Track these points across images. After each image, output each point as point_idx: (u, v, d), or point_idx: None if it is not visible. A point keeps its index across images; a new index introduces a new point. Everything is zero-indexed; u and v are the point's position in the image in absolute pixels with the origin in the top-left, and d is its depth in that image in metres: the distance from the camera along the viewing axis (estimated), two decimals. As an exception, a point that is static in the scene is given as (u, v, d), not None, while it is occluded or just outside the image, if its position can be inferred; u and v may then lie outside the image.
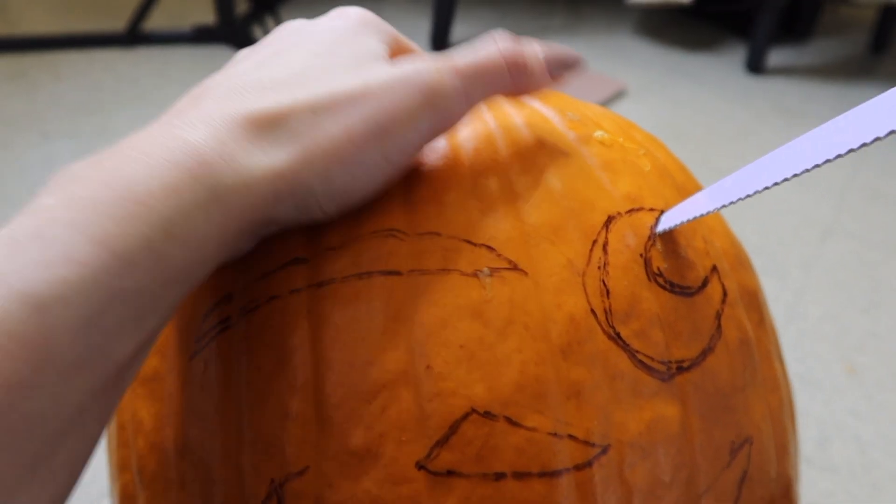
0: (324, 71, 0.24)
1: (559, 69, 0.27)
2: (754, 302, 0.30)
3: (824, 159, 0.22)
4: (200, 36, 1.19)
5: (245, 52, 0.26)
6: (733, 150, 1.00)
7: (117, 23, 1.20)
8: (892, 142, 1.04)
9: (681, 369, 0.25)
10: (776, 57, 1.26)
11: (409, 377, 0.23)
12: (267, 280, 0.25)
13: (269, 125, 0.22)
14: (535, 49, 0.26)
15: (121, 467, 0.29)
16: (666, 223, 0.27)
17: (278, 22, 1.19)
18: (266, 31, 1.21)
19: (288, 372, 0.24)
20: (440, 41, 1.21)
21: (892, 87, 0.21)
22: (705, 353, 0.26)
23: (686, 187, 0.30)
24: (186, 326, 0.26)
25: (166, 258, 0.19)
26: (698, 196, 0.26)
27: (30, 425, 0.17)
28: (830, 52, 1.31)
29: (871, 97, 0.21)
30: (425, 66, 0.24)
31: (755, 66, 1.21)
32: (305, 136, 0.22)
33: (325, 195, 0.23)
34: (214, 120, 0.21)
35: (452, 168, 0.26)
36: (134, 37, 1.17)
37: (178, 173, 0.20)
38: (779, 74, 1.22)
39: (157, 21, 1.21)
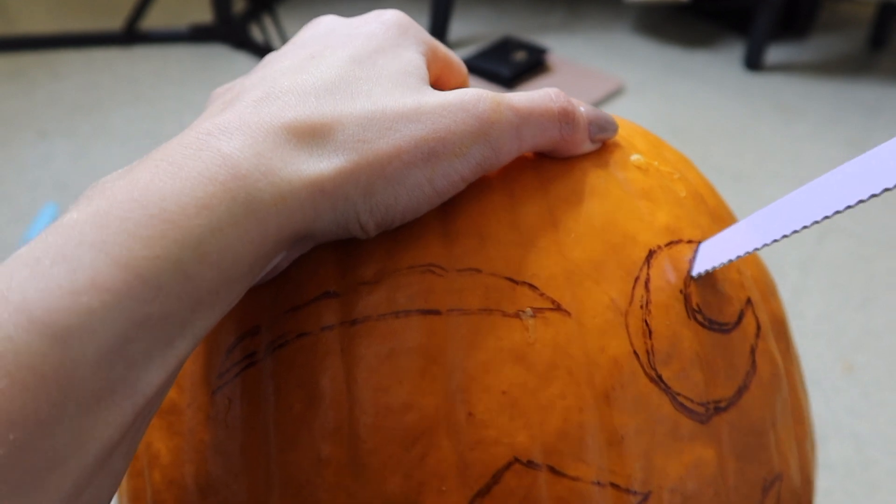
0: (370, 83, 0.23)
1: (598, 131, 0.27)
2: (782, 330, 0.30)
3: (881, 188, 0.20)
4: (198, 35, 1.19)
5: (276, 55, 0.25)
6: (732, 147, 1.00)
7: (115, 22, 1.20)
8: (890, 137, 1.04)
9: (718, 409, 0.25)
10: (775, 54, 1.26)
11: (450, 424, 0.22)
12: (296, 314, 0.24)
13: (310, 135, 0.21)
14: (578, 106, 0.26)
15: (134, 498, 0.28)
16: (703, 264, 0.26)
17: (276, 21, 1.19)
18: (263, 30, 1.21)
19: (320, 414, 0.23)
20: (438, 38, 1.21)
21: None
22: (741, 391, 0.26)
23: (718, 213, 0.30)
24: (208, 359, 0.25)
25: (197, 280, 0.18)
26: (735, 231, 0.25)
27: (52, 464, 0.16)
28: (829, 49, 1.31)
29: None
30: (484, 94, 0.23)
31: (754, 62, 1.21)
32: (351, 149, 0.21)
33: (365, 212, 0.22)
34: (251, 128, 0.20)
35: (491, 197, 0.25)
36: (132, 36, 1.17)
37: (212, 188, 0.18)
38: (777, 71, 1.22)
39: (154, 20, 1.21)
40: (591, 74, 1.15)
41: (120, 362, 0.17)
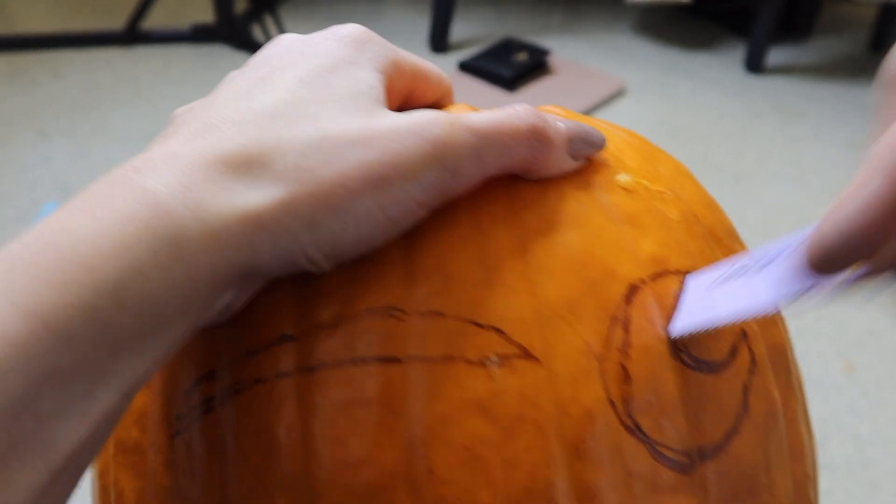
0: (316, 105, 0.21)
1: (581, 147, 0.25)
2: (782, 360, 0.28)
3: None
4: (199, 35, 1.19)
5: (232, 76, 0.24)
6: (732, 149, 1.00)
7: (116, 21, 1.20)
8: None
9: (703, 457, 0.23)
10: (775, 55, 1.26)
11: (409, 480, 0.21)
12: (253, 359, 0.23)
13: (246, 165, 0.19)
14: (556, 122, 0.24)
15: None
16: (684, 326, 0.23)
17: (277, 21, 1.19)
18: (265, 30, 1.21)
19: (276, 466, 0.22)
20: (439, 41, 1.21)
21: None
22: (730, 434, 0.24)
23: (714, 231, 0.28)
24: (167, 400, 0.24)
25: (115, 327, 0.17)
26: (739, 288, 0.23)
27: None
28: (830, 51, 1.31)
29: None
30: (438, 116, 0.22)
31: (754, 64, 1.21)
32: (290, 179, 0.20)
33: (311, 244, 0.20)
34: (181, 161, 0.19)
35: (457, 231, 0.24)
36: (133, 35, 1.17)
37: (131, 227, 0.17)
38: (778, 73, 1.21)
39: (155, 20, 1.21)
40: (593, 75, 1.15)
41: (28, 418, 0.16)
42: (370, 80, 0.23)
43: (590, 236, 0.24)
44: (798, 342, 0.71)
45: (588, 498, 0.21)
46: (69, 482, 0.18)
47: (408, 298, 0.23)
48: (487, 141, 0.22)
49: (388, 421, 0.21)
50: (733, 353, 0.25)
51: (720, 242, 0.28)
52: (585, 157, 0.26)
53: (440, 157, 0.21)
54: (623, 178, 0.26)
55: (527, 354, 0.22)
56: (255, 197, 0.19)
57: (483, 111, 0.23)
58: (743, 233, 0.94)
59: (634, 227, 0.25)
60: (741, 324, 0.25)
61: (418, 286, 0.23)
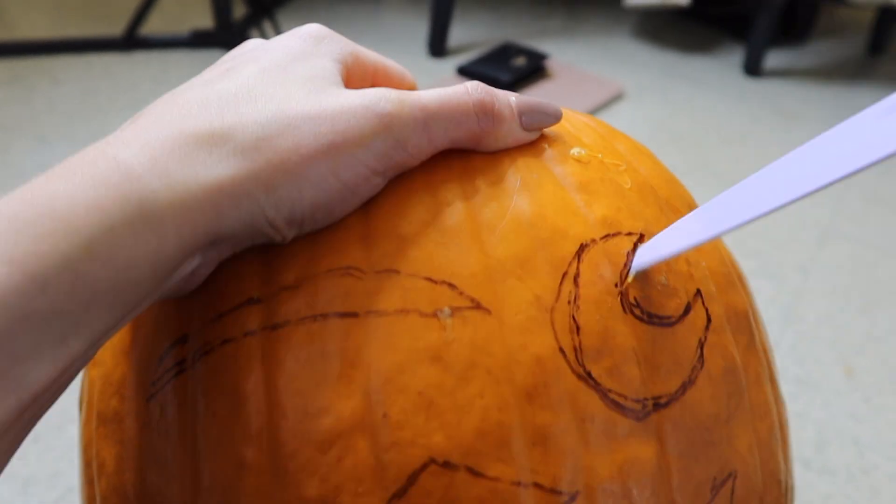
0: (275, 87, 0.23)
1: (534, 118, 0.26)
2: (743, 323, 0.29)
3: (826, 181, 0.20)
4: (198, 40, 1.19)
5: (199, 75, 0.26)
6: (731, 153, 1.00)
7: (115, 27, 1.20)
8: (891, 143, 1.04)
9: (658, 406, 0.24)
10: (774, 59, 1.26)
11: (366, 426, 0.22)
12: (221, 321, 0.24)
13: (209, 138, 0.21)
14: (507, 97, 0.26)
15: None
16: (644, 257, 0.25)
17: (276, 27, 1.19)
18: (263, 35, 1.21)
19: (242, 419, 0.23)
20: (438, 44, 1.21)
21: (891, 88, 0.20)
22: (685, 386, 0.25)
23: (671, 202, 0.29)
24: (143, 368, 0.26)
25: (87, 278, 0.18)
26: (686, 222, 0.25)
27: None
28: (828, 54, 1.31)
29: (870, 99, 0.20)
30: (386, 93, 0.24)
31: (753, 68, 1.21)
32: (250, 149, 0.21)
33: (271, 208, 0.22)
34: (150, 136, 0.21)
35: (414, 198, 0.25)
36: (131, 41, 1.17)
37: (104, 190, 0.19)
38: (776, 76, 1.22)
39: (154, 25, 1.21)
40: (591, 79, 1.15)
41: (4, 356, 0.17)
42: (328, 66, 0.25)
43: (541, 200, 0.25)
44: (797, 346, 0.71)
45: (541, 441, 0.22)
46: (29, 423, 0.19)
47: (365, 259, 0.24)
48: (434, 115, 0.24)
49: (347, 372, 0.22)
50: (687, 310, 0.26)
51: (678, 212, 0.29)
52: (538, 129, 0.27)
53: (388, 127, 0.23)
54: (577, 151, 0.28)
55: (478, 306, 0.23)
56: (219, 167, 0.21)
57: (434, 89, 0.25)
58: (740, 235, 0.94)
59: (586, 193, 0.26)
60: (696, 283, 0.27)
61: (375, 247, 0.24)
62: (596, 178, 0.27)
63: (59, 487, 0.52)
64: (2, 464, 0.19)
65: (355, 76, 0.27)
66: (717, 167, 0.97)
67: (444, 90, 0.25)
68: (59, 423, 0.56)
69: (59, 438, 0.55)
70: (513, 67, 1.13)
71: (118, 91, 1.07)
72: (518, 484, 0.22)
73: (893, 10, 1.26)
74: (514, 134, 0.26)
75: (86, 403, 0.29)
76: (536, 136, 0.27)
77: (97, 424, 0.27)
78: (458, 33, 1.29)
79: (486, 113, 0.25)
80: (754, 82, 1.20)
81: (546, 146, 0.27)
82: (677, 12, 1.41)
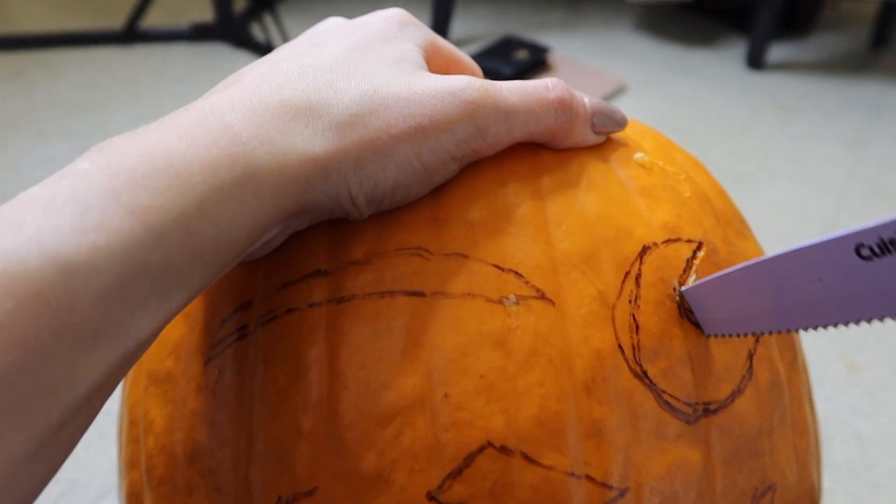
0: (366, 65, 0.24)
1: (604, 123, 0.27)
2: (788, 341, 0.29)
3: None
4: (198, 33, 1.19)
5: (283, 46, 0.26)
6: (733, 146, 1.00)
7: (115, 21, 1.20)
8: (893, 138, 1.04)
9: (707, 412, 0.24)
10: (776, 52, 1.26)
11: (426, 404, 0.22)
12: (287, 291, 0.24)
13: (307, 110, 0.22)
14: (583, 98, 0.26)
15: (130, 464, 0.28)
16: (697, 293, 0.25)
17: (277, 20, 1.18)
18: (264, 29, 1.21)
19: (303, 387, 0.23)
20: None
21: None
22: (734, 395, 0.25)
23: (726, 214, 0.29)
24: (203, 330, 0.26)
25: (197, 235, 0.19)
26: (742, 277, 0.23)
27: (44, 392, 0.17)
28: (831, 48, 1.31)
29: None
30: (472, 81, 0.24)
31: (755, 61, 1.21)
32: (344, 124, 0.22)
33: (356, 183, 0.23)
34: (252, 102, 0.21)
35: (485, 187, 0.25)
36: (131, 35, 1.17)
37: (215, 151, 0.20)
38: (779, 70, 1.21)
39: (154, 19, 1.21)
40: (593, 73, 1.15)
41: (118, 304, 0.18)
42: (412, 51, 0.25)
43: (607, 200, 0.26)
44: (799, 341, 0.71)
45: (595, 434, 0.22)
46: (120, 375, 0.19)
47: (434, 241, 0.24)
48: (516, 107, 0.25)
49: (410, 349, 0.23)
50: None
51: (731, 225, 0.29)
52: (607, 133, 0.28)
53: (472, 115, 0.24)
54: (640, 156, 0.28)
55: (542, 296, 0.23)
56: (314, 140, 0.21)
57: (516, 81, 0.26)
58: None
59: (649, 198, 0.27)
60: None
61: (444, 230, 0.24)
62: (658, 183, 0.27)
63: (61, 482, 0.52)
64: (97, 411, 0.19)
65: (434, 64, 0.27)
66: (720, 160, 0.96)
67: (526, 83, 0.25)
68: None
69: (61, 433, 0.55)
70: (514, 61, 1.12)
71: (118, 84, 1.06)
72: (571, 475, 0.22)
73: (896, 4, 1.25)
74: (585, 134, 0.27)
75: (135, 364, 0.29)
76: (604, 139, 0.28)
77: (147, 384, 0.27)
78: (460, 27, 1.28)
79: (564, 110, 0.26)
80: (757, 75, 1.20)
81: (611, 149, 0.28)
82: (679, 5, 1.41)
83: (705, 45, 1.29)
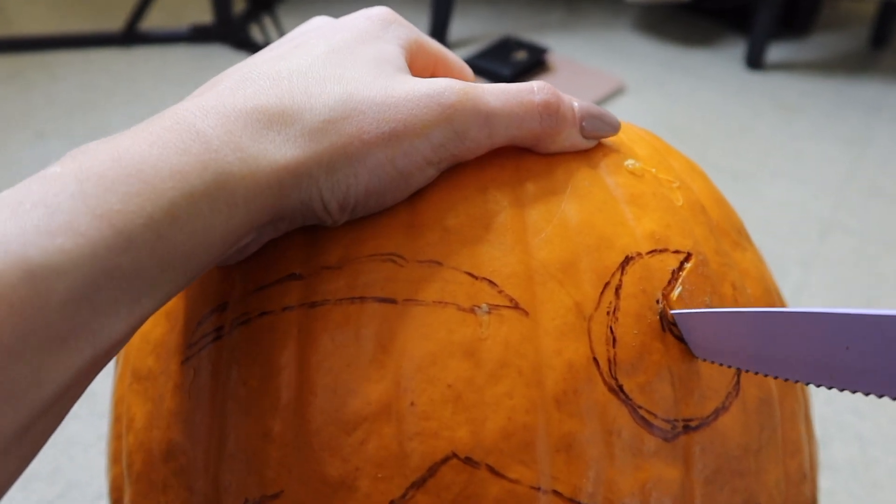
0: (343, 68, 0.23)
1: (594, 126, 0.26)
2: None
3: None
4: (197, 35, 1.19)
5: (268, 47, 0.26)
6: (732, 146, 1.00)
7: (114, 22, 1.20)
8: (892, 138, 1.04)
9: (688, 428, 0.23)
10: (775, 52, 1.25)
11: (392, 412, 0.22)
12: (262, 293, 0.24)
13: (280, 120, 0.22)
14: (571, 101, 0.26)
15: (114, 459, 0.29)
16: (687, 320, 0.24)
17: (276, 22, 1.18)
18: (263, 31, 1.21)
19: (272, 390, 0.23)
20: (438, 38, 1.20)
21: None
22: (718, 412, 0.24)
23: (721, 224, 0.28)
24: (182, 330, 0.26)
25: (167, 241, 0.19)
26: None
27: (10, 395, 0.17)
28: (830, 48, 1.30)
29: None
30: (451, 83, 0.24)
31: (754, 61, 1.21)
32: (317, 131, 0.22)
33: (328, 189, 0.22)
34: (226, 108, 0.21)
35: (464, 193, 0.25)
36: (131, 36, 1.17)
37: (186, 158, 0.20)
38: (778, 70, 1.21)
39: (153, 20, 1.21)
40: (592, 73, 1.14)
41: (86, 307, 0.17)
42: (394, 52, 0.25)
43: (591, 208, 0.25)
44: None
45: (565, 448, 0.22)
46: (90, 377, 0.19)
47: (409, 247, 0.24)
48: (496, 111, 0.24)
49: (379, 356, 0.22)
50: None
51: (727, 235, 0.28)
52: (598, 138, 0.27)
53: (450, 119, 0.23)
54: (631, 163, 0.27)
55: (516, 306, 0.23)
56: (286, 148, 0.21)
57: (500, 84, 0.25)
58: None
59: (637, 207, 0.26)
60: (739, 307, 0.25)
61: (419, 237, 0.24)
62: (648, 192, 0.26)
63: (59, 483, 0.52)
64: (65, 413, 0.19)
65: (418, 63, 0.27)
66: (719, 160, 0.96)
67: (510, 86, 0.25)
68: (60, 420, 0.56)
69: (59, 435, 0.55)
70: (513, 61, 1.12)
71: (117, 86, 1.06)
72: (538, 489, 0.22)
73: (895, 4, 1.25)
74: (572, 139, 0.26)
75: (122, 359, 0.29)
76: (594, 144, 0.27)
77: (131, 381, 0.27)
78: (459, 27, 1.28)
79: (550, 114, 0.25)
80: (756, 75, 1.20)
81: (601, 155, 0.27)
82: (678, 5, 1.41)
83: (704, 46, 1.29)
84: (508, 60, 1.12)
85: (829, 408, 0.60)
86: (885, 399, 0.60)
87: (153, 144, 0.19)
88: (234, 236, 0.21)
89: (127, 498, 0.27)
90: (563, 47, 1.23)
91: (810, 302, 0.73)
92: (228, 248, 0.21)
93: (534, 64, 1.14)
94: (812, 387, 0.23)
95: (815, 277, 0.76)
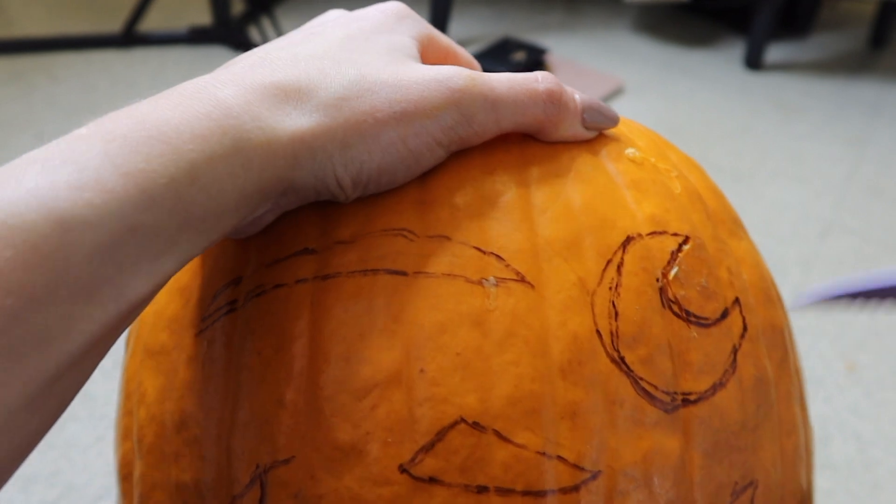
0: (358, 53, 0.24)
1: (595, 118, 0.27)
2: (778, 340, 0.29)
3: None
4: (196, 37, 1.19)
5: (283, 36, 0.27)
6: (732, 147, 1.00)
7: (113, 24, 1.20)
8: (892, 138, 1.04)
9: (687, 402, 0.24)
10: (775, 53, 1.26)
11: (403, 379, 0.23)
12: (276, 267, 0.25)
13: (296, 92, 0.23)
14: (573, 93, 0.27)
15: (123, 436, 0.29)
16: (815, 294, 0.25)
17: (274, 23, 1.18)
18: (262, 32, 1.21)
19: (286, 360, 0.24)
20: (437, 39, 1.20)
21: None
22: (716, 387, 0.25)
23: (718, 214, 0.29)
24: (197, 304, 0.27)
25: (187, 201, 0.20)
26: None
27: (39, 342, 0.17)
28: (829, 48, 1.31)
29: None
30: (459, 70, 0.25)
31: (754, 61, 1.21)
32: (331, 107, 0.23)
33: (341, 165, 0.23)
34: (244, 82, 0.22)
35: (472, 174, 0.26)
36: (130, 38, 1.17)
37: (207, 123, 0.20)
38: (778, 70, 1.21)
39: (153, 22, 1.21)
40: (591, 74, 1.15)
41: (111, 262, 0.18)
42: (406, 42, 0.26)
43: (594, 191, 0.26)
44: (799, 341, 0.71)
45: (569, 415, 0.23)
46: (114, 337, 0.20)
47: (419, 223, 0.25)
48: (503, 97, 0.25)
49: (390, 326, 0.23)
50: (724, 314, 0.26)
51: (723, 223, 0.30)
52: (598, 129, 0.28)
53: (457, 102, 0.24)
54: (632, 151, 0.28)
55: (522, 280, 0.24)
56: (302, 120, 0.22)
57: (506, 73, 0.26)
58: (743, 232, 0.91)
59: (638, 191, 0.27)
60: (736, 292, 0.27)
61: (429, 214, 0.25)
62: (647, 178, 0.28)
63: (59, 485, 0.52)
64: (91, 370, 0.20)
65: (429, 56, 0.28)
66: (719, 160, 0.96)
67: (516, 75, 0.26)
68: (60, 422, 0.56)
69: (59, 437, 0.55)
70: (512, 62, 1.12)
71: (117, 87, 1.06)
72: (543, 454, 0.22)
73: (895, 4, 1.25)
74: (574, 128, 0.27)
75: (133, 339, 0.30)
76: (594, 135, 0.28)
77: (143, 357, 0.28)
78: (458, 28, 1.28)
79: (553, 102, 0.26)
80: (755, 76, 1.20)
81: (602, 144, 0.28)
82: (677, 6, 1.41)
83: (704, 46, 1.29)
84: (508, 61, 1.12)
85: (829, 407, 0.60)
86: (885, 399, 0.60)
87: (175, 109, 0.20)
88: (248, 202, 0.22)
89: (137, 472, 0.27)
90: (562, 48, 1.24)
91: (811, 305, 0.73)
92: (243, 216, 0.22)
93: (533, 65, 1.14)
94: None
95: (815, 277, 0.76)
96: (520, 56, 1.13)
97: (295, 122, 0.22)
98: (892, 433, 0.59)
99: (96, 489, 0.51)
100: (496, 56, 1.14)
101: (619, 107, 1.08)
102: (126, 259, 0.19)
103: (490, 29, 1.29)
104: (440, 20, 1.19)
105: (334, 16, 0.28)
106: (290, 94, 0.22)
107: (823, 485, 0.54)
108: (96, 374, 0.59)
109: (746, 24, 1.24)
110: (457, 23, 1.28)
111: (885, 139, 1.01)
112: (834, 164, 0.96)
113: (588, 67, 1.17)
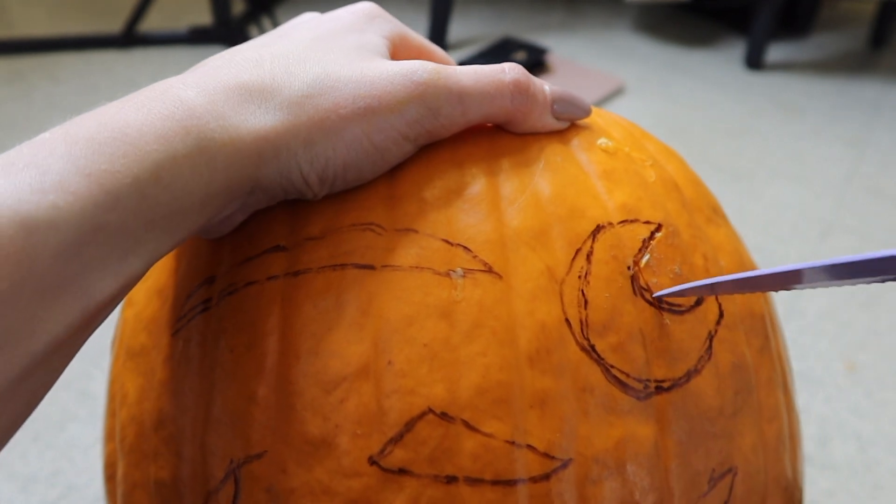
0: (324, 52, 0.25)
1: (565, 108, 0.27)
2: (758, 326, 0.29)
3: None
4: (197, 37, 1.19)
5: (254, 38, 0.27)
6: (733, 146, 1.00)
7: (114, 24, 1.20)
8: (892, 138, 1.04)
9: (660, 389, 0.24)
10: (775, 52, 1.25)
11: (371, 371, 0.23)
12: (248, 265, 0.25)
13: (259, 92, 0.23)
14: (542, 84, 0.27)
15: (108, 437, 0.29)
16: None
17: (274, 23, 1.18)
18: (262, 32, 1.21)
19: (257, 356, 0.24)
20: (437, 41, 1.20)
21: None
22: (690, 374, 0.25)
23: (696, 202, 0.29)
24: (173, 305, 0.27)
25: (151, 201, 0.20)
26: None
27: (4, 342, 0.17)
28: (830, 48, 1.31)
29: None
30: (424, 64, 0.25)
31: (754, 61, 1.21)
32: (295, 105, 0.23)
33: (306, 162, 0.23)
34: (208, 83, 0.22)
35: (441, 168, 0.26)
36: (130, 38, 1.17)
37: (170, 123, 0.20)
38: (778, 70, 1.21)
39: (153, 22, 1.21)
40: (592, 74, 1.15)
41: (76, 262, 0.18)
42: (375, 40, 0.26)
43: (563, 181, 0.26)
44: (799, 341, 0.71)
45: (538, 403, 0.23)
46: (81, 338, 0.20)
47: (387, 217, 0.25)
48: (469, 88, 0.25)
49: (358, 319, 0.23)
50: (699, 301, 0.26)
51: (700, 211, 0.29)
52: (569, 120, 0.28)
53: (422, 96, 0.24)
54: (604, 141, 0.28)
55: (490, 270, 0.24)
56: (266, 118, 0.22)
57: (472, 65, 0.26)
58: (743, 230, 0.93)
59: (609, 181, 0.27)
60: (710, 277, 0.26)
61: (397, 208, 0.25)
62: (620, 168, 0.28)
63: (59, 485, 0.52)
64: (60, 370, 0.20)
65: (402, 55, 0.28)
66: (719, 161, 0.96)
67: (482, 67, 0.26)
68: (60, 422, 0.56)
69: (59, 437, 0.55)
70: (513, 62, 1.12)
71: (117, 88, 1.06)
72: (512, 443, 0.22)
73: (895, 3, 1.25)
74: (544, 119, 0.27)
75: (117, 342, 0.30)
76: (565, 125, 0.28)
77: (125, 359, 0.28)
78: (458, 28, 1.28)
79: (520, 93, 0.26)
80: (755, 76, 1.20)
81: (574, 134, 0.28)
82: (678, 6, 1.41)
83: (704, 46, 1.29)
84: (508, 61, 1.12)
85: (829, 407, 0.60)
86: (886, 399, 0.60)
87: (139, 110, 0.21)
88: (214, 201, 0.22)
89: (120, 472, 0.28)
90: (562, 48, 1.24)
91: (810, 301, 0.73)
92: (210, 215, 0.22)
93: (533, 65, 1.14)
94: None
95: (815, 277, 0.76)
96: (520, 56, 1.13)
97: (259, 120, 0.22)
98: (892, 433, 0.59)
99: (96, 489, 0.51)
100: (496, 56, 1.14)
101: (619, 106, 1.08)
102: (92, 259, 0.19)
103: (490, 29, 1.29)
104: (441, 21, 1.19)
105: (307, 18, 0.28)
106: (255, 94, 0.23)
107: (823, 485, 0.54)
108: (97, 374, 0.59)
109: (746, 24, 1.24)
110: (457, 23, 1.28)
111: (885, 139, 1.01)
112: (834, 164, 0.96)
113: (588, 67, 1.17)
